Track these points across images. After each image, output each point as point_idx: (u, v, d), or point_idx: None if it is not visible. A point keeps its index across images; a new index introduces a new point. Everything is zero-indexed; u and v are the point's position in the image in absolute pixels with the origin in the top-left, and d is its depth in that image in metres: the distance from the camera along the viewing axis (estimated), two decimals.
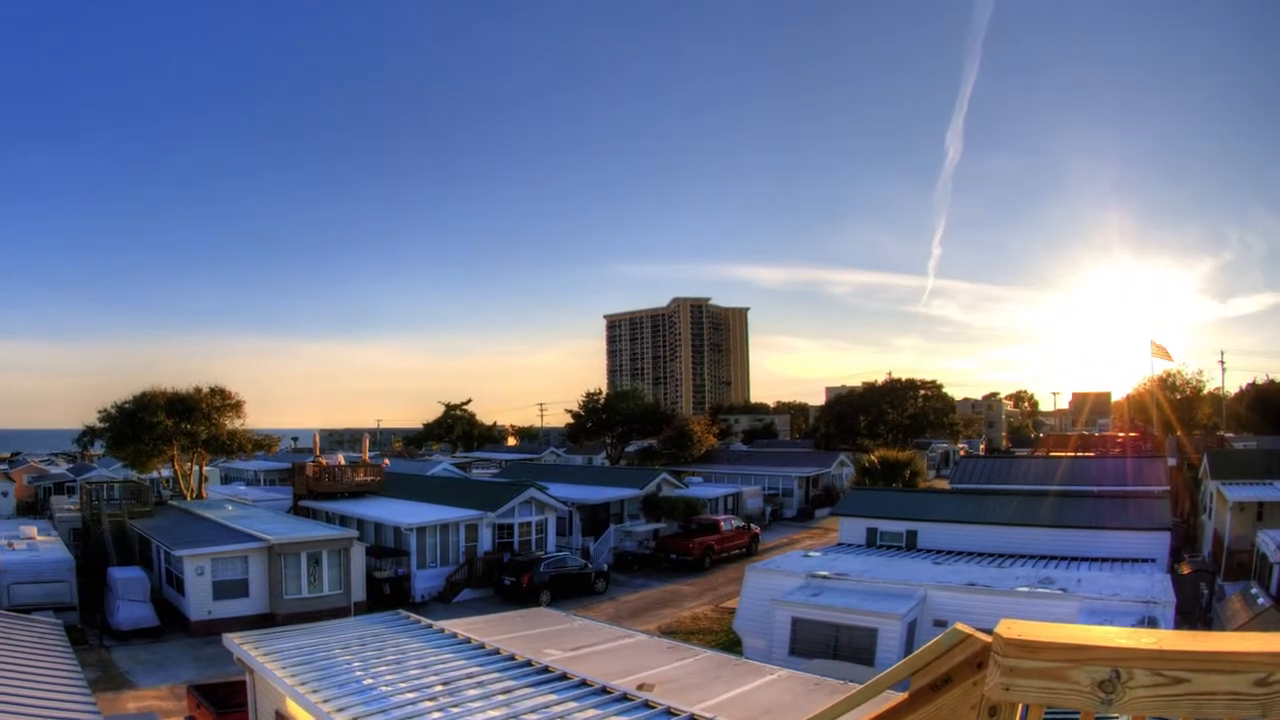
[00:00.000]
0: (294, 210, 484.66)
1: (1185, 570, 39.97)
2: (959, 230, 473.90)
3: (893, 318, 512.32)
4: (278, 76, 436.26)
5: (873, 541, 44.25)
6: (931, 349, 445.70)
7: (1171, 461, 58.13)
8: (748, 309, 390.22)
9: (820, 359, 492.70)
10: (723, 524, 57.50)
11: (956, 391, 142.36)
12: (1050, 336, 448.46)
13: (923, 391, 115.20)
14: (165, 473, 65.97)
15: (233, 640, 19.72)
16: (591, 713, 14.55)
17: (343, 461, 60.51)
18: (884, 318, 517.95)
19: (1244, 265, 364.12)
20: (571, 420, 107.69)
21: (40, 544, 42.10)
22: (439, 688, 15.77)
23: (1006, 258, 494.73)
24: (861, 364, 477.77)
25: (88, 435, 63.01)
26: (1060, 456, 65.36)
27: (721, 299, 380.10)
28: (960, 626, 2.96)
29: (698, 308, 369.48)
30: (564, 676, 16.49)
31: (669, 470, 69.89)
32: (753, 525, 62.15)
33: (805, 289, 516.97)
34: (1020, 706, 2.78)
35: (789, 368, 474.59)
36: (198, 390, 60.06)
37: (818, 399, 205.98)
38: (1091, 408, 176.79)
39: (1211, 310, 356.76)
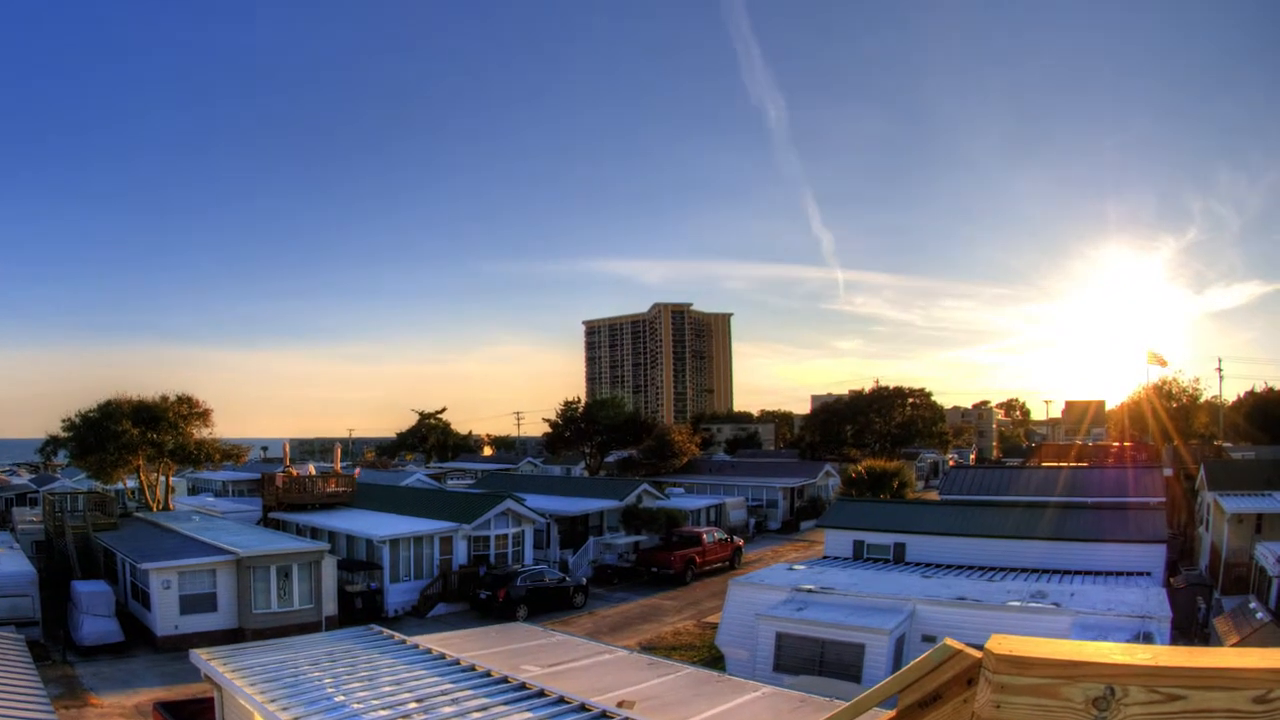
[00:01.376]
0: (261, 213, 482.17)
1: (1181, 584, 40.02)
2: (843, 209, 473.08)
3: (818, 317, 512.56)
4: (245, 75, 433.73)
5: (860, 554, 44.21)
6: (875, 351, 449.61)
7: (1168, 472, 58.11)
8: (730, 314, 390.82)
9: (774, 365, 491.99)
10: (705, 536, 57.46)
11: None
12: (1009, 336, 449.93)
13: (911, 400, 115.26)
14: (131, 483, 65.55)
15: (200, 656, 19.63)
16: None
17: (313, 472, 60.39)
18: (807, 317, 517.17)
19: (1216, 247, 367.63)
20: (549, 429, 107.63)
21: (1, 556, 41.82)
22: (413, 705, 15.73)
23: (921, 243, 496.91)
24: (814, 369, 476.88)
25: (51, 445, 62.44)
26: (1054, 467, 65.45)
27: (703, 304, 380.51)
28: (950, 642, 2.95)
29: (679, 314, 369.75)
30: (541, 694, 16.46)
31: (650, 481, 69.79)
32: (736, 538, 62.14)
33: (703, 285, 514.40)
34: None
35: (768, 376, 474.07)
36: (164, 398, 59.75)
37: (803, 407, 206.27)
38: (1085, 416, 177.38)
39: (1189, 304, 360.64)
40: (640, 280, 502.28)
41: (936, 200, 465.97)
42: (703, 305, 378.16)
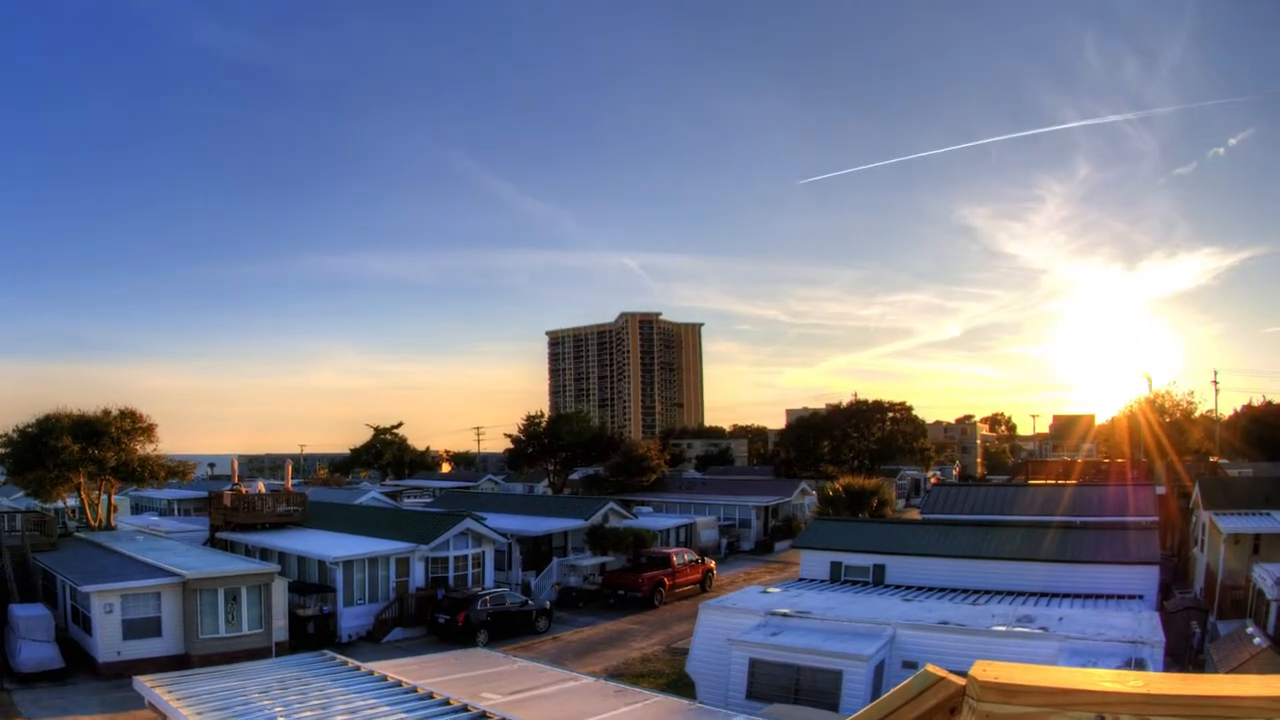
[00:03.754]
0: (206, 215, 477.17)
1: (1175, 608, 40.07)
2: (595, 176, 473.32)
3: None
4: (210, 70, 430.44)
5: (837, 576, 44.25)
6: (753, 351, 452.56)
7: (1161, 490, 58.30)
8: (701, 325, 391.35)
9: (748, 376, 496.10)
10: (675, 557, 57.46)
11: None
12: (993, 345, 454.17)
13: (891, 414, 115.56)
14: (71, 502, 65.16)
15: (144, 683, 19.48)
16: None
17: (263, 490, 60.04)
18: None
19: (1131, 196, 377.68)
20: (511, 445, 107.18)
21: None
22: None
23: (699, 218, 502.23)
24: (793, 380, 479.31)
25: None
26: (1041, 485, 65.65)
27: (674, 314, 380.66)
28: (932, 668, 2.95)
29: (648, 323, 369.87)
30: None
31: (617, 500, 69.67)
32: (707, 559, 62.22)
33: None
34: None
35: (741, 388, 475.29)
36: (106, 412, 59.41)
37: (777, 422, 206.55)
38: (1073, 432, 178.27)
39: (1116, 285, 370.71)
40: (607, 287, 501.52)
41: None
42: (672, 315, 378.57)
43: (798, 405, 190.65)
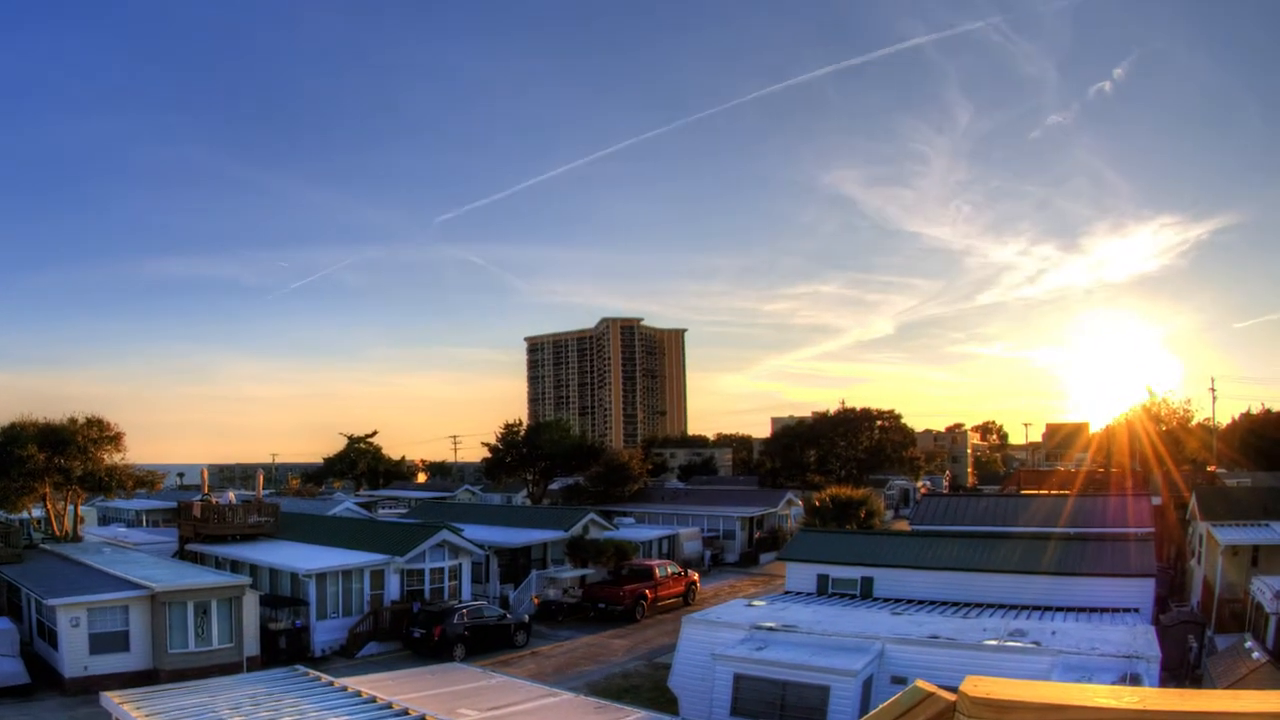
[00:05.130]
0: (167, 213, 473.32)
1: (1171, 621, 40.06)
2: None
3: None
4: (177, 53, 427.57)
5: (824, 589, 44.27)
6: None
7: (1157, 500, 58.28)
8: (684, 330, 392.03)
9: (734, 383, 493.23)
10: (657, 570, 57.49)
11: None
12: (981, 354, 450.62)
13: (879, 422, 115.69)
14: (36, 513, 64.80)
15: (111, 699, 19.42)
16: None
17: (234, 500, 59.85)
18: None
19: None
20: (489, 455, 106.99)
21: None
22: None
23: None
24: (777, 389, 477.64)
25: None
26: (1033, 495, 65.69)
27: (656, 319, 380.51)
28: (921, 684, 2.95)
29: (629, 329, 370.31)
30: None
31: (597, 510, 69.63)
32: (690, 571, 62.17)
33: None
34: None
35: (726, 397, 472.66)
36: (73, 421, 59.10)
37: (762, 430, 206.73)
38: (1066, 440, 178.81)
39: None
40: (587, 292, 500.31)
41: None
42: (655, 321, 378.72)
43: (783, 414, 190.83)
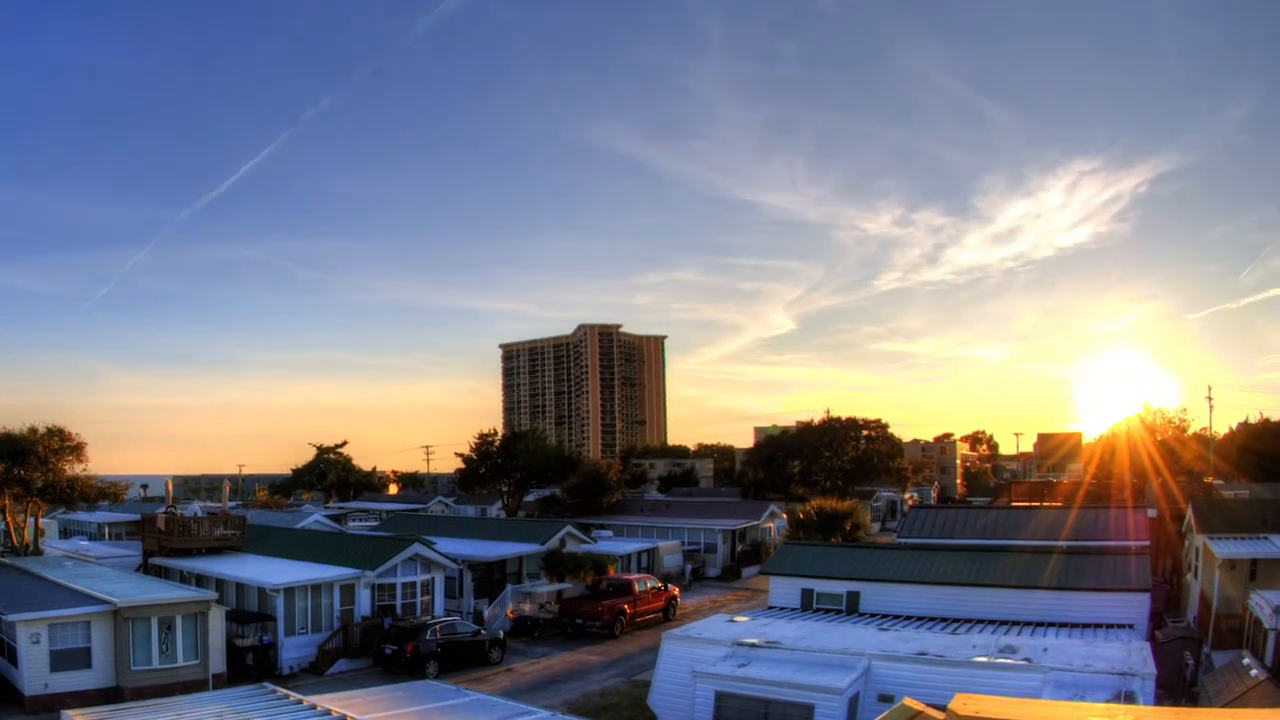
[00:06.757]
0: (133, 218, 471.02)
1: (1167, 637, 40.06)
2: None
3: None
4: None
5: (808, 604, 44.33)
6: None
7: (1153, 513, 58.24)
8: (664, 337, 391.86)
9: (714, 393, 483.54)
10: (636, 585, 57.54)
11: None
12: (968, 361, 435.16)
13: (866, 432, 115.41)
14: None
15: (73, 718, 19.42)
16: None
17: (199, 512, 59.76)
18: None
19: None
20: (462, 465, 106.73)
21: None
22: None
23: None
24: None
25: None
26: (1024, 507, 65.66)
27: (635, 325, 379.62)
28: (909, 702, 3.10)
29: (607, 335, 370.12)
30: None
31: (575, 523, 69.56)
32: (671, 586, 62.26)
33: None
34: None
35: (706, 407, 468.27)
36: (33, 430, 58.87)
37: (745, 440, 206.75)
38: (1059, 451, 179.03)
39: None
40: (564, 297, 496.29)
41: None
42: (634, 327, 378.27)
43: (767, 422, 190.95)
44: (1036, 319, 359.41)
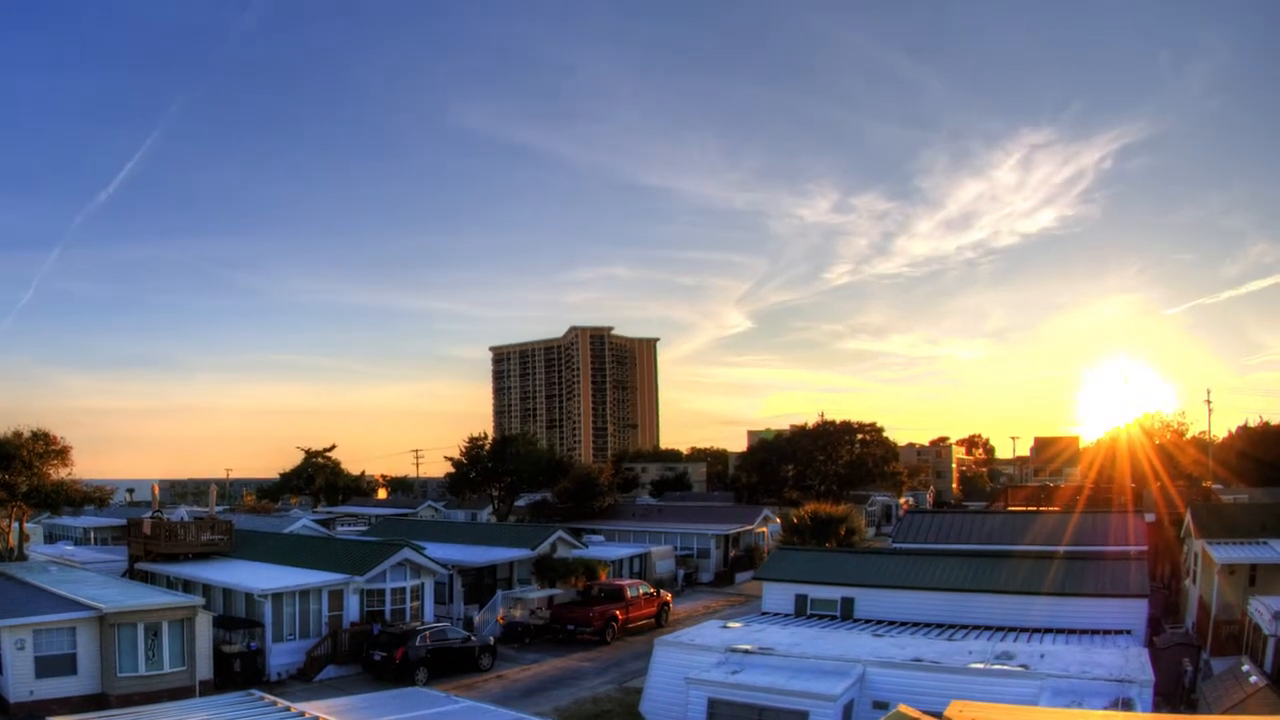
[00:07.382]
0: (115, 219, 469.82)
1: (1165, 644, 39.99)
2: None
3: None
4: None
5: (802, 610, 44.35)
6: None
7: (1151, 517, 58.18)
8: (656, 339, 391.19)
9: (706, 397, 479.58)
10: (628, 590, 57.42)
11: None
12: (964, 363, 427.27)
13: (860, 436, 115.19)
14: None
15: None
16: None
17: (186, 517, 59.65)
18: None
19: None
20: (452, 469, 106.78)
21: None
22: None
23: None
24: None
25: None
26: (1021, 511, 65.62)
27: (627, 328, 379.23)
28: (905, 709, 3.07)
29: (599, 338, 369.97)
30: None
31: (566, 528, 69.59)
32: (663, 591, 62.30)
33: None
34: None
35: (699, 412, 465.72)
36: (17, 434, 58.77)
37: (738, 444, 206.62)
38: (1056, 454, 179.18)
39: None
40: (555, 299, 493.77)
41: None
42: (626, 330, 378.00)
43: (760, 426, 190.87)
44: (1008, 314, 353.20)
